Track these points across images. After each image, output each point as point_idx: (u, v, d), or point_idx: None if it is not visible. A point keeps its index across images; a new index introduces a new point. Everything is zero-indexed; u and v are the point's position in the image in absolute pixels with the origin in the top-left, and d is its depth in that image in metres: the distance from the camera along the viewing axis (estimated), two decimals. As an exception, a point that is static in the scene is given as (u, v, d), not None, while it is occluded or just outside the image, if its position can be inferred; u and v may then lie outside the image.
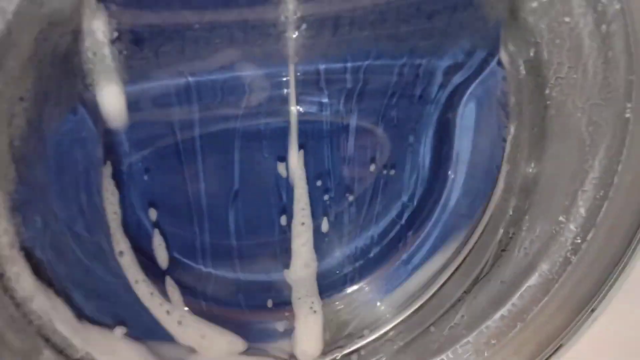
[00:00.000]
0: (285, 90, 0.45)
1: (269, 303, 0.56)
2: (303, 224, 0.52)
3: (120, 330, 0.48)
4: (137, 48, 0.38)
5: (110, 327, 0.47)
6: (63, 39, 0.35)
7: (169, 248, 0.51)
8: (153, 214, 0.49)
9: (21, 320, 0.40)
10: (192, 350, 0.52)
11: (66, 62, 0.36)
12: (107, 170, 0.44)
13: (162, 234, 0.50)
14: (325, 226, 0.54)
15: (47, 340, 0.43)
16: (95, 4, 0.35)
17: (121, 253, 0.47)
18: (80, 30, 0.35)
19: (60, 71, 0.36)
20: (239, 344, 0.54)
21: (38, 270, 0.41)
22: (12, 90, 0.33)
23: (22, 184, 0.38)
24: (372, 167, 0.53)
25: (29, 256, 0.40)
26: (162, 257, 0.51)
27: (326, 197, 0.53)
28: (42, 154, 0.39)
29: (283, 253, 0.54)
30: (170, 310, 0.50)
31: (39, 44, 0.33)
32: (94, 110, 0.40)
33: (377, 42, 0.44)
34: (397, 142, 0.52)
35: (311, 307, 0.56)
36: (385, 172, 0.54)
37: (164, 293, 0.51)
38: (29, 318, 0.41)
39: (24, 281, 0.40)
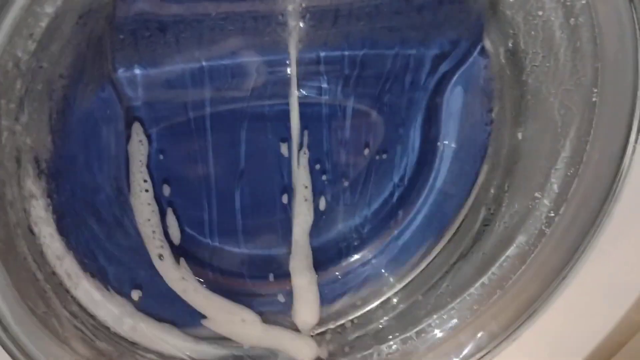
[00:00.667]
0: (288, 75, 0.49)
1: (271, 276, 0.60)
2: (306, 200, 0.56)
3: (136, 294, 0.52)
4: (161, 34, 0.42)
5: (127, 289, 0.52)
6: (98, 24, 0.39)
7: (180, 223, 0.54)
8: (166, 190, 0.53)
9: (51, 279, 0.45)
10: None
11: (99, 45, 0.41)
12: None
13: (174, 209, 0.54)
14: (322, 204, 0.58)
15: (73, 298, 0.47)
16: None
17: (139, 221, 0.51)
18: (113, 17, 0.40)
19: (94, 53, 0.41)
20: (245, 313, 0.57)
21: (67, 234, 0.45)
22: (54, 68, 0.38)
23: (56, 154, 0.42)
24: (367, 150, 0.57)
25: (60, 220, 0.44)
26: (174, 232, 0.54)
27: (324, 177, 0.56)
28: (73, 127, 0.43)
29: (284, 229, 0.57)
30: (184, 277, 0.54)
31: (78, 28, 0.37)
32: (119, 89, 0.45)
33: (372, 32, 0.48)
34: (389, 125, 0.56)
35: (309, 279, 0.59)
36: (378, 155, 0.58)
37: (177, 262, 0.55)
38: (59, 279, 0.45)
39: (55, 242, 0.44)
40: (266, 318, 0.58)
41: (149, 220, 0.51)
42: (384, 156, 0.58)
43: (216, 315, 0.56)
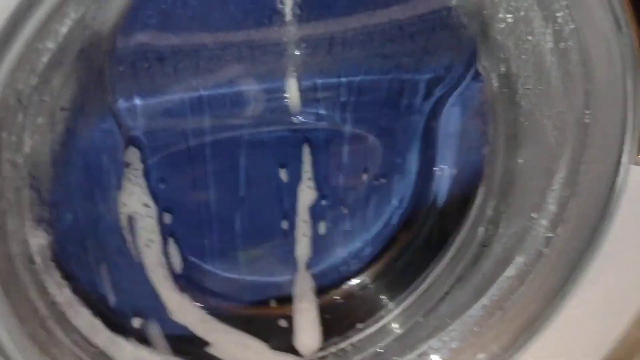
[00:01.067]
0: (286, 102, 0.50)
1: (272, 302, 0.59)
2: (305, 221, 0.56)
3: (137, 321, 0.52)
4: (159, 65, 0.43)
5: (128, 317, 0.52)
6: (99, 58, 0.40)
7: (181, 250, 0.55)
8: (167, 217, 0.53)
9: (51, 308, 0.45)
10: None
11: (100, 77, 0.42)
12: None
13: (175, 237, 0.54)
14: (322, 228, 0.58)
15: (74, 327, 0.47)
16: (128, 28, 0.41)
17: (140, 249, 0.52)
18: (113, 49, 0.41)
19: (95, 84, 0.42)
20: (248, 339, 0.57)
21: (67, 263, 0.45)
22: (55, 101, 0.38)
23: (57, 184, 0.43)
24: (365, 175, 0.57)
25: (60, 249, 0.44)
26: (175, 261, 0.54)
27: (323, 202, 0.57)
28: (74, 157, 0.44)
29: (285, 254, 0.58)
30: (186, 304, 0.54)
31: (80, 62, 0.38)
32: (119, 119, 0.45)
33: (366, 59, 0.49)
34: (387, 149, 0.57)
35: (309, 304, 0.60)
36: (376, 179, 0.58)
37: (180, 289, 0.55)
38: (60, 308, 0.45)
39: (55, 271, 0.44)
40: (269, 343, 0.58)
41: (150, 247, 0.52)
42: (382, 180, 0.58)
43: (220, 342, 0.56)
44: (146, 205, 0.50)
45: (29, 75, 0.35)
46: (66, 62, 0.37)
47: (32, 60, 0.34)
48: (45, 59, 0.34)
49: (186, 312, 0.54)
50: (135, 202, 0.48)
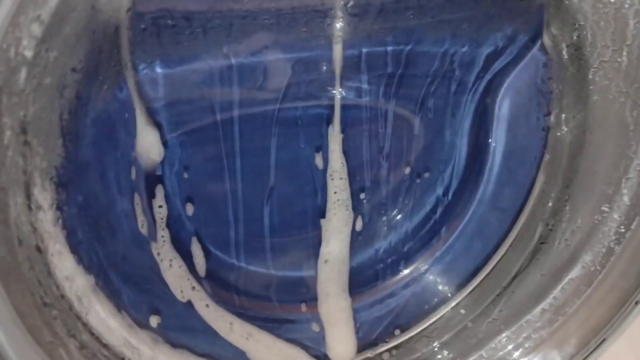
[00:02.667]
0: (326, 74, 0.44)
1: (303, 306, 0.55)
2: (337, 215, 0.51)
3: (155, 320, 0.47)
4: (186, 23, 0.38)
5: (145, 315, 0.47)
6: (117, 10, 0.35)
7: (203, 243, 0.50)
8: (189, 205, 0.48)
9: (59, 302, 0.40)
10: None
11: (117, 36, 0.36)
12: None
13: (197, 225, 0.49)
14: (359, 224, 0.53)
15: (84, 324, 0.42)
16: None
17: (157, 241, 0.47)
18: (133, 2, 0.35)
19: (111, 45, 0.36)
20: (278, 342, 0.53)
21: (78, 251, 0.40)
22: (66, 59, 0.33)
23: (67, 161, 0.37)
24: (407, 163, 0.52)
25: (70, 235, 0.39)
26: (199, 260, 0.50)
27: (362, 195, 0.52)
28: (87, 131, 0.39)
29: (316, 249, 0.53)
30: (208, 304, 0.50)
31: (94, 13, 0.33)
32: (138, 88, 0.40)
33: (420, 24, 0.44)
34: (433, 132, 0.52)
35: (342, 304, 0.55)
36: (420, 167, 0.53)
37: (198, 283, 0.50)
38: (68, 303, 0.40)
39: (65, 260, 0.39)
40: (300, 347, 0.53)
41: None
42: (427, 168, 0.53)
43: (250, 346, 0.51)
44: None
45: (34, 22, 0.29)
46: (78, 12, 0.32)
47: (38, 4, 0.29)
48: (53, 2, 0.29)
49: (213, 314, 0.49)
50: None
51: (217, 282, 0.52)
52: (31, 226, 0.36)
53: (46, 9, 0.29)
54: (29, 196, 0.36)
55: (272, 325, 0.52)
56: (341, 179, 0.50)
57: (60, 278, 0.39)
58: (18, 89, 0.31)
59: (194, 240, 0.49)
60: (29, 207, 0.36)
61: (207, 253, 0.50)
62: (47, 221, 0.37)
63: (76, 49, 0.33)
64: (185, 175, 0.46)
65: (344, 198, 0.51)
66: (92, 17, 0.33)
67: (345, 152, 0.49)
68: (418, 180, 0.54)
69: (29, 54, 0.30)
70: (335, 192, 0.50)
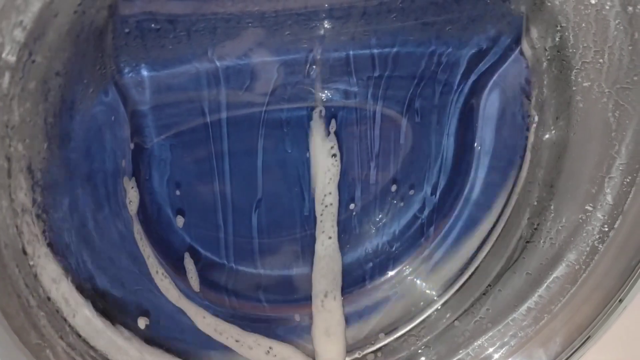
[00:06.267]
0: (312, 76, 0.44)
1: (293, 307, 0.55)
2: (325, 217, 0.51)
3: (142, 322, 0.47)
4: (170, 26, 0.38)
5: (133, 317, 0.47)
6: (100, 14, 0.35)
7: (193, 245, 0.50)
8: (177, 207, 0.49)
9: (46, 305, 0.40)
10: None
11: (101, 39, 0.36)
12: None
13: (186, 228, 0.49)
14: (348, 222, 0.54)
15: (71, 327, 0.42)
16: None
17: (143, 242, 0.47)
18: (116, 6, 0.36)
19: (95, 49, 0.36)
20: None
21: (64, 254, 0.40)
22: (50, 63, 0.33)
23: (52, 164, 0.37)
24: (396, 159, 0.53)
25: (56, 238, 0.39)
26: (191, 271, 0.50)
27: (349, 193, 0.52)
28: (72, 134, 0.39)
29: (305, 250, 0.53)
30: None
31: (77, 17, 0.33)
32: (124, 91, 0.40)
33: (404, 27, 0.44)
34: (420, 133, 0.52)
35: (332, 304, 0.55)
36: (406, 165, 0.53)
37: (186, 285, 0.50)
38: (55, 305, 0.40)
39: (51, 263, 0.39)
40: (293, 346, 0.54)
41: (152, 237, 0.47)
42: (413, 167, 0.53)
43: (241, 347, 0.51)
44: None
45: (16, 28, 0.29)
46: (61, 17, 0.32)
47: (20, 9, 0.29)
48: (35, 8, 0.29)
49: (204, 317, 0.49)
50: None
51: (206, 284, 0.52)
52: (17, 229, 0.36)
53: (28, 15, 0.29)
54: (14, 199, 0.36)
55: (262, 325, 0.53)
56: (329, 180, 0.50)
57: (46, 280, 0.39)
58: (2, 94, 0.31)
59: (183, 243, 0.49)
60: (14, 210, 0.36)
61: (197, 256, 0.51)
62: (33, 224, 0.37)
63: (60, 53, 0.33)
64: (173, 178, 0.46)
65: (331, 199, 0.51)
66: (75, 22, 0.33)
67: (332, 154, 0.49)
68: (406, 180, 0.54)
69: (11, 59, 0.30)
70: (323, 195, 0.50)
